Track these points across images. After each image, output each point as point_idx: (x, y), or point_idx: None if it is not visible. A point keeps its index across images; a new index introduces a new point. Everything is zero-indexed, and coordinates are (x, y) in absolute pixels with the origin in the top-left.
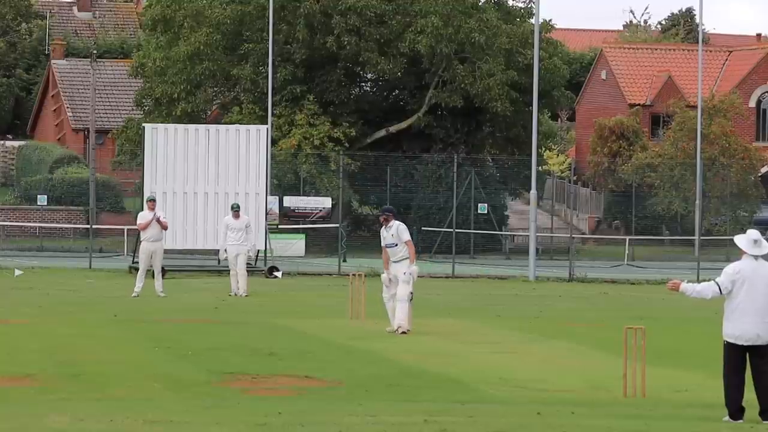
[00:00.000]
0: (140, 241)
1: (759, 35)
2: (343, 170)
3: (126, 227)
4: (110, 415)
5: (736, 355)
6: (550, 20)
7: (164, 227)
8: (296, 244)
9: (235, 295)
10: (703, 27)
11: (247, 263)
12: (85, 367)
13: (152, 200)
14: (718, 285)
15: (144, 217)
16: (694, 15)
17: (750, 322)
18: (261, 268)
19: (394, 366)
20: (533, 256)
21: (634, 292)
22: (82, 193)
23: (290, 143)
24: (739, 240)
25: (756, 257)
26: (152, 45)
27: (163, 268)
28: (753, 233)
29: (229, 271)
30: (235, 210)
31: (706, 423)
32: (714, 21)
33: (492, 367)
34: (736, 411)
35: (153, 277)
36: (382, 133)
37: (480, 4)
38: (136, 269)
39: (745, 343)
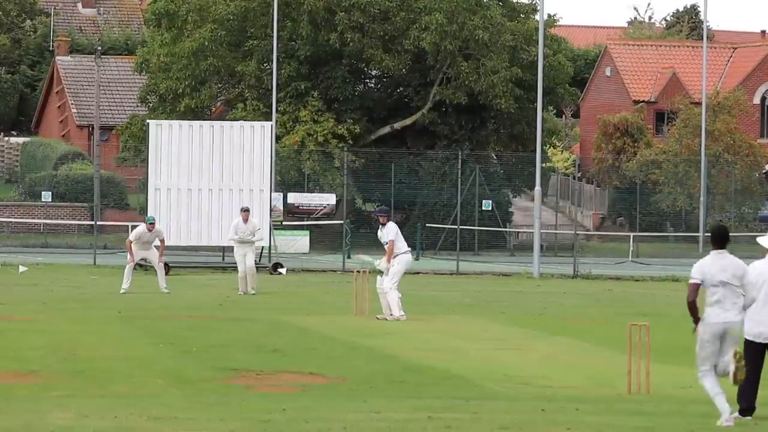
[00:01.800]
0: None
1: (763, 32)
2: (347, 167)
3: (130, 224)
4: (114, 412)
5: (753, 353)
6: (555, 15)
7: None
8: (300, 241)
9: (244, 293)
10: (707, 24)
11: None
12: (89, 364)
13: (152, 223)
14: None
15: (137, 236)
16: (699, 12)
17: None
18: (265, 264)
19: (398, 362)
20: (537, 252)
21: (638, 289)
22: (87, 189)
23: (294, 140)
24: (763, 240)
25: None
26: (157, 41)
27: (167, 264)
28: None
29: (234, 268)
30: (245, 211)
31: (710, 419)
32: (718, 18)
33: (496, 364)
34: (747, 408)
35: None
36: (386, 129)
37: (484, 1)
38: (139, 265)
39: (764, 341)
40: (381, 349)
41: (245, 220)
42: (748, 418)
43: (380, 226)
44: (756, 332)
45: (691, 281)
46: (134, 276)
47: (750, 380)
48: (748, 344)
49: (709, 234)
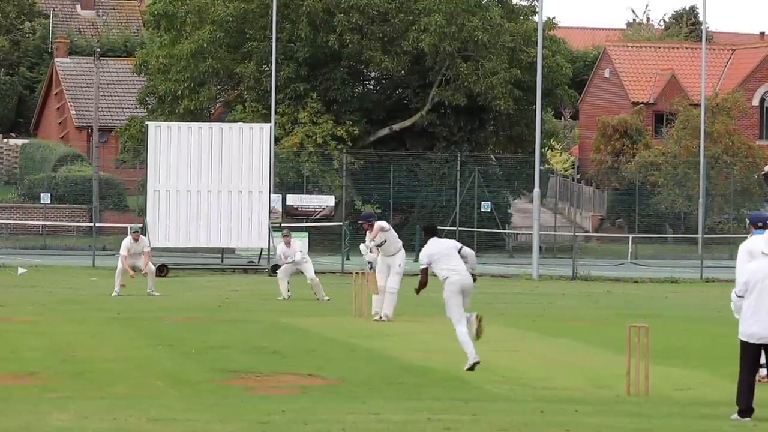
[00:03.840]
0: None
1: (762, 33)
2: (346, 168)
3: (129, 225)
4: (113, 413)
5: (749, 354)
6: (554, 18)
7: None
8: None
9: (284, 299)
10: (706, 25)
11: (251, 261)
12: (88, 365)
13: (137, 232)
14: (736, 294)
15: (127, 248)
16: (698, 13)
17: (763, 320)
18: (264, 266)
19: (397, 364)
20: (536, 254)
21: (637, 290)
22: (86, 191)
23: (293, 141)
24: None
25: None
26: (155, 43)
27: (165, 265)
28: None
29: (233, 269)
30: (286, 235)
31: (709, 421)
32: (717, 19)
33: (495, 365)
34: (744, 409)
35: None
36: (385, 131)
37: (483, 2)
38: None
39: (758, 342)
40: (380, 350)
41: (288, 245)
42: (747, 419)
43: (368, 233)
44: (750, 332)
45: (422, 266)
46: (134, 278)
47: (747, 381)
48: (744, 345)
49: (426, 227)
